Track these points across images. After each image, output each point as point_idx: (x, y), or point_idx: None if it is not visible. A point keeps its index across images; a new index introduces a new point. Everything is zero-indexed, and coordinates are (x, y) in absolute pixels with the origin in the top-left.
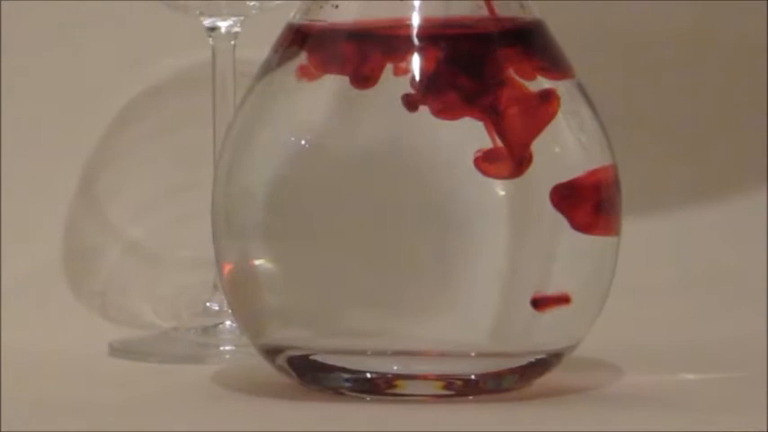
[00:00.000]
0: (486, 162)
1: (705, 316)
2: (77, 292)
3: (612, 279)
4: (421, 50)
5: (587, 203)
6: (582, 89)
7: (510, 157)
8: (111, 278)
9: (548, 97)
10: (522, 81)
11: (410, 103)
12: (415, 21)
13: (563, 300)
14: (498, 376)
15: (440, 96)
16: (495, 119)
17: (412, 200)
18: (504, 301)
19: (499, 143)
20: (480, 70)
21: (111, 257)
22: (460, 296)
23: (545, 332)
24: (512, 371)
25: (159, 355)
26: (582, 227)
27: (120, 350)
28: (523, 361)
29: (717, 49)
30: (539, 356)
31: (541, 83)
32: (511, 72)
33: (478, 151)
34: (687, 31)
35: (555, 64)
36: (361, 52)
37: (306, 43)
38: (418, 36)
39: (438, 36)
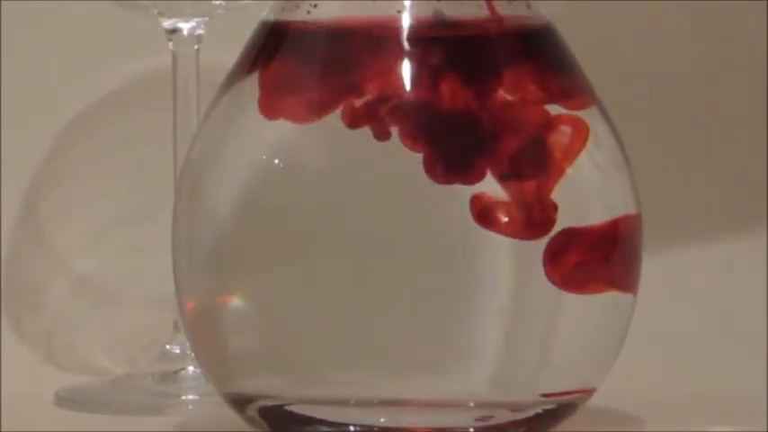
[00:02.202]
0: (490, 221)
1: (735, 362)
2: (19, 332)
3: (628, 328)
4: (411, 60)
5: (571, 259)
6: (600, 106)
7: (528, 213)
8: (57, 317)
9: (573, 128)
10: (542, 106)
11: (380, 134)
12: (405, 22)
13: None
14: (501, 430)
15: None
16: (504, 170)
17: (401, 228)
18: (506, 344)
19: (512, 200)
20: (486, 93)
21: (57, 293)
22: (456, 339)
23: (554, 379)
24: (516, 423)
25: (112, 404)
26: (561, 284)
27: (67, 399)
28: (530, 412)
29: (717, 51)
30: (547, 407)
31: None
32: (524, 93)
33: (476, 200)
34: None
35: (573, 81)
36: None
37: (280, 48)
38: (408, 40)
39: (430, 44)
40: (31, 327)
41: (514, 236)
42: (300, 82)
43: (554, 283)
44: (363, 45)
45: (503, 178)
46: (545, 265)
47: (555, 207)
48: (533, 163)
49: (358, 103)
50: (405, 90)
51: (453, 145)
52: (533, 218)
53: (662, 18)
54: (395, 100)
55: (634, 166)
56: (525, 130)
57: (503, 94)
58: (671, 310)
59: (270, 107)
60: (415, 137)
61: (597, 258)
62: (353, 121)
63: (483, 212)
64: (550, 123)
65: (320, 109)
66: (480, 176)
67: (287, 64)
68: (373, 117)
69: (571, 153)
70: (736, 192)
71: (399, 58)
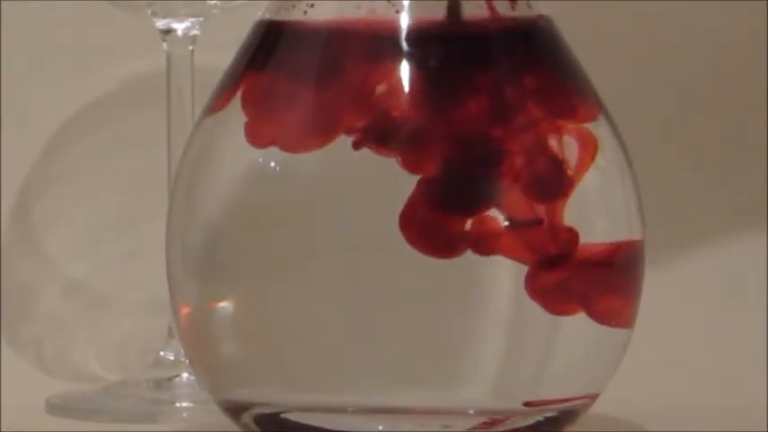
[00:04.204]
0: (495, 249)
1: (735, 368)
2: (9, 338)
3: (631, 336)
4: (410, 62)
5: (554, 279)
6: (606, 113)
7: (539, 244)
8: (48, 323)
9: (580, 142)
10: (548, 120)
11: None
12: (404, 23)
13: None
14: None
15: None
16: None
17: (400, 235)
18: (506, 350)
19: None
20: (489, 106)
21: (48, 298)
22: (456, 345)
23: (556, 386)
24: (517, 431)
25: (105, 412)
26: (544, 304)
27: (59, 407)
28: (531, 420)
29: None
30: (548, 414)
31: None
32: (530, 107)
33: (479, 224)
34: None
35: (579, 88)
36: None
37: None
38: (407, 41)
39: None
40: (22, 332)
41: (525, 264)
42: (294, 97)
43: (536, 302)
44: (360, 48)
45: (512, 224)
46: (526, 284)
47: (568, 230)
48: (545, 187)
49: (354, 134)
50: (401, 112)
51: (454, 176)
52: (547, 250)
53: (662, 17)
54: (389, 128)
55: (635, 166)
56: (534, 150)
57: (508, 107)
58: (670, 312)
59: (257, 134)
60: (414, 167)
61: (587, 281)
62: (353, 145)
63: (486, 240)
64: (558, 138)
65: (316, 138)
66: (485, 210)
67: (279, 74)
68: (369, 143)
69: (580, 170)
70: (737, 199)
71: (398, 61)
